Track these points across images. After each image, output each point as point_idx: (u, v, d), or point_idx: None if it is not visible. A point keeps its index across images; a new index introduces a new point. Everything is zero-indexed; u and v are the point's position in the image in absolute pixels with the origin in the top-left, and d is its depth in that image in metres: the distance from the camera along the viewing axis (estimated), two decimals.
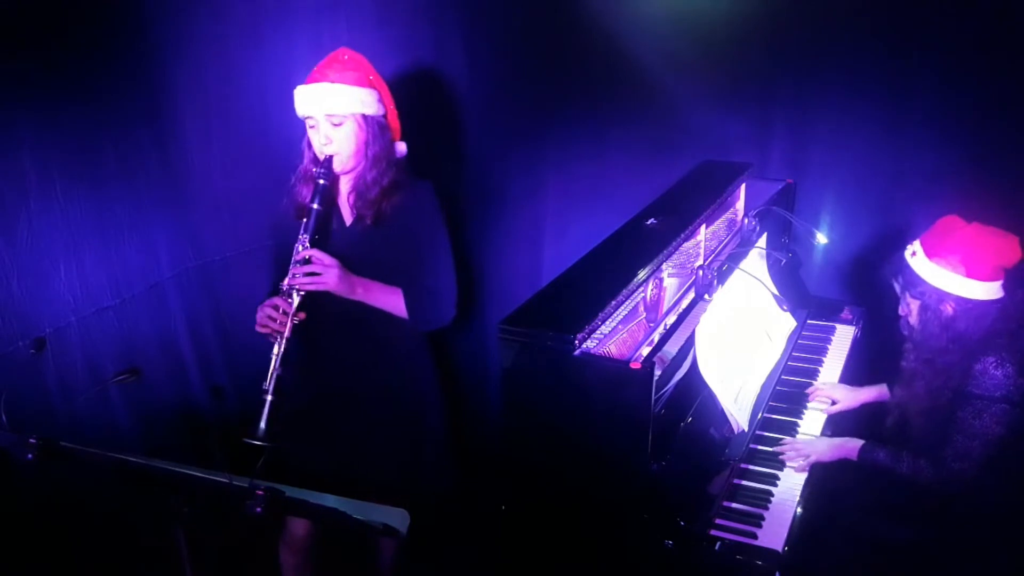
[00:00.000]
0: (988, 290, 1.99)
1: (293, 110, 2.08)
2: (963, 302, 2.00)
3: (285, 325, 1.98)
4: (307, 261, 2.00)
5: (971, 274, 1.98)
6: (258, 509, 1.41)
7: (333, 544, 2.53)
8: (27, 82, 2.16)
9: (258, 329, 2.02)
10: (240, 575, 2.67)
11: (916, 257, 2.06)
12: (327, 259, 2.02)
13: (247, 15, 2.73)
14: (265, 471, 1.48)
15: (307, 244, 2.01)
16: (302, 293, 2.00)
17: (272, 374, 1.96)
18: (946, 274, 2.00)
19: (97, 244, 2.40)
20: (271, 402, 1.94)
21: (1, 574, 2.19)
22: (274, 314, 1.99)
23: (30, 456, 1.52)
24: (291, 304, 1.99)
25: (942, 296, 2.02)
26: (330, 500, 1.47)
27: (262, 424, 1.92)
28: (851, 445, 2.12)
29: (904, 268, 2.08)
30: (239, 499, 1.42)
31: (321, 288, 2.01)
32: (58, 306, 2.30)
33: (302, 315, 2.01)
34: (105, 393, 2.42)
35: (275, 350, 1.97)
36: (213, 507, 1.56)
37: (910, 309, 2.12)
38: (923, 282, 2.04)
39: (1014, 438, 1.95)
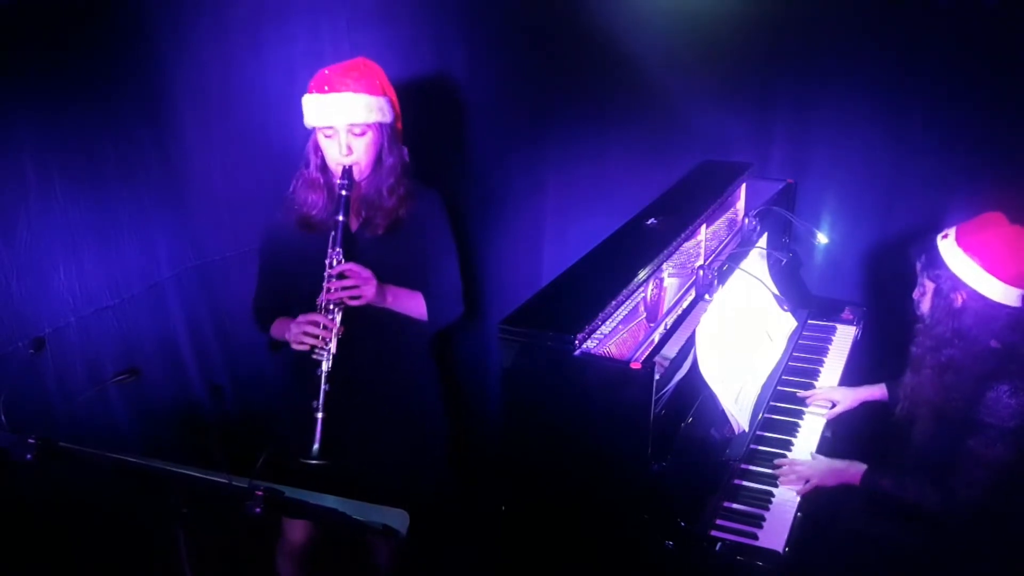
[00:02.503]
0: (1004, 293, 1.96)
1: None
2: (975, 296, 1.98)
3: (329, 341, 1.97)
4: (341, 276, 1.98)
5: (993, 271, 1.95)
6: (258, 509, 1.41)
7: (332, 545, 2.53)
8: (27, 82, 2.15)
9: (295, 346, 2.01)
10: (240, 575, 2.67)
11: (946, 240, 2.04)
12: (364, 272, 2.00)
13: (247, 15, 2.73)
14: (265, 471, 1.48)
15: (341, 258, 1.99)
16: (342, 307, 1.99)
17: (321, 392, 1.96)
18: (967, 263, 1.97)
19: (97, 244, 2.40)
20: (322, 419, 1.96)
21: (1, 574, 2.19)
22: (314, 331, 1.97)
23: (30, 456, 1.52)
24: (334, 320, 1.99)
25: (956, 284, 2.00)
26: (330, 500, 1.47)
27: (316, 445, 1.94)
28: (854, 470, 2.08)
29: (931, 248, 2.07)
30: (239, 499, 1.42)
31: (361, 302, 2.00)
32: (58, 306, 2.30)
33: (342, 329, 2.00)
34: (105, 393, 2.41)
35: (323, 368, 1.97)
36: (213, 507, 1.55)
37: (925, 290, 2.10)
38: (943, 265, 2.02)
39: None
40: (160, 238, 2.60)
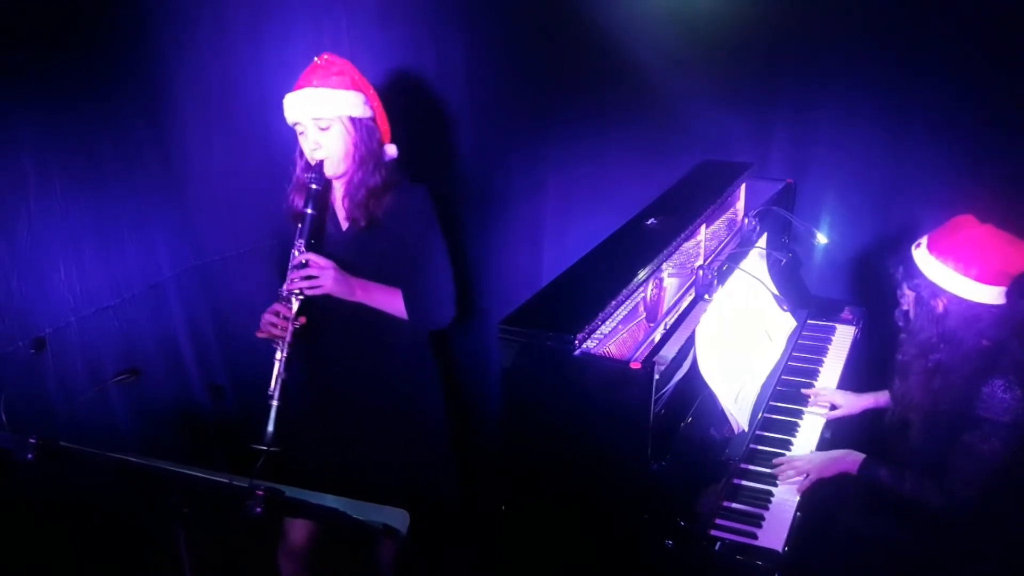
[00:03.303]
0: (985, 293, 1.97)
1: None
2: (956, 300, 1.99)
3: (286, 331, 1.99)
4: (304, 265, 2.01)
5: (969, 274, 1.97)
6: (258, 509, 1.41)
7: (333, 544, 2.53)
8: (27, 82, 2.15)
9: (259, 335, 2.03)
10: (240, 575, 2.67)
11: (919, 249, 2.06)
12: (323, 262, 2.03)
13: (247, 15, 2.73)
14: (265, 471, 1.48)
15: (303, 249, 2.02)
16: (301, 297, 2.01)
17: (277, 379, 1.97)
18: (943, 269, 1.99)
19: (97, 244, 2.40)
20: (277, 407, 1.95)
21: (1, 574, 2.19)
22: (275, 320, 2.00)
23: (30, 456, 1.52)
24: (291, 309, 2.00)
25: (936, 291, 2.02)
26: (330, 500, 1.47)
27: (269, 429, 1.93)
28: (851, 459, 2.09)
29: (907, 258, 2.09)
30: (239, 499, 1.42)
31: (319, 292, 2.02)
32: (58, 306, 2.30)
33: (302, 319, 2.02)
34: (105, 393, 2.41)
35: (278, 355, 1.98)
36: (213, 507, 1.56)
37: (908, 300, 2.12)
38: (920, 274, 2.04)
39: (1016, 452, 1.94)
40: (160, 238, 2.60)
